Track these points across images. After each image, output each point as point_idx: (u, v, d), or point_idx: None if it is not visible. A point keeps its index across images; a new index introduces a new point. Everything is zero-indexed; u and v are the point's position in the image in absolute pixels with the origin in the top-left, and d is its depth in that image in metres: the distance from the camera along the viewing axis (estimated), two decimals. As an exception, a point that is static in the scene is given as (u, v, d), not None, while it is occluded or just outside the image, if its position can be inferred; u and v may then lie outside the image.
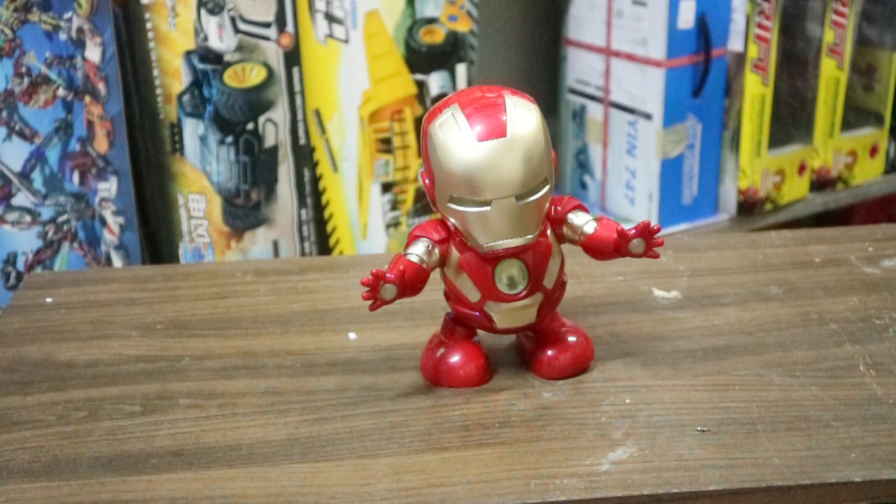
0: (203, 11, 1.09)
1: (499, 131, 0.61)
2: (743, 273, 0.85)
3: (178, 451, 0.62)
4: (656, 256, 0.65)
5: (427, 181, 0.64)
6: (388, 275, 0.62)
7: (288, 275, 0.88)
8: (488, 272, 0.65)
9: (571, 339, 0.69)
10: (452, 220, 0.64)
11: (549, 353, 0.68)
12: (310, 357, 0.73)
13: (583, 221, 0.66)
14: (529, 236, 0.63)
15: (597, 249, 0.66)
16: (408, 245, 0.66)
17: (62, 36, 1.03)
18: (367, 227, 1.23)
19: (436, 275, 0.67)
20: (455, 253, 0.65)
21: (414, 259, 0.64)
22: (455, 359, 0.68)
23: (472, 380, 0.68)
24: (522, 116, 0.62)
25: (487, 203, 0.62)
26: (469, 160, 0.61)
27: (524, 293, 0.65)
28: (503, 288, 0.65)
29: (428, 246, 0.65)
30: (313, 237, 1.20)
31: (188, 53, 1.09)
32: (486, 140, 0.61)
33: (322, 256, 1.18)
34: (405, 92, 1.20)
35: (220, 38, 1.10)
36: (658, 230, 0.64)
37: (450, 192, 0.62)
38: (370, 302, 0.63)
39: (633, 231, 0.64)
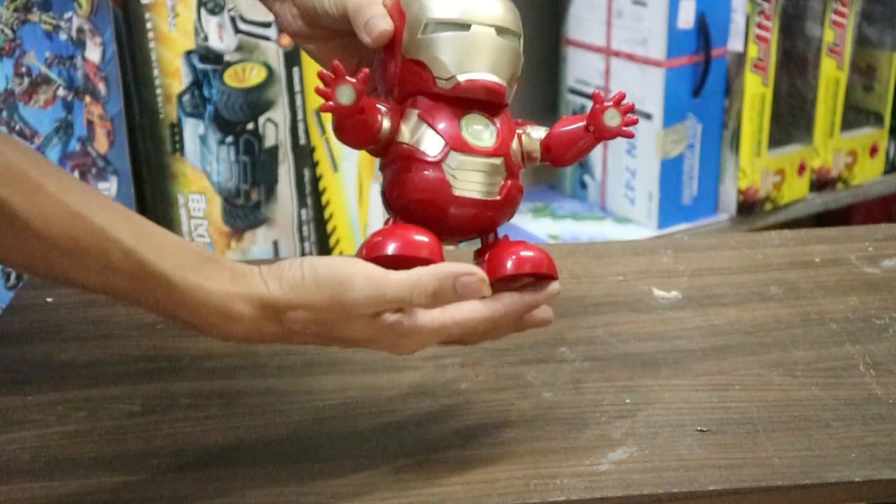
0: (203, 11, 1.09)
1: None
2: (743, 273, 0.85)
3: (178, 451, 0.62)
4: (630, 135, 0.60)
5: (394, 26, 0.60)
6: (349, 77, 0.57)
7: (288, 275, 0.88)
8: (454, 118, 0.59)
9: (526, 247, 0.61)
10: (419, 56, 0.59)
11: (502, 251, 0.60)
12: (310, 357, 0.73)
13: (541, 128, 0.62)
14: (502, 80, 0.59)
15: (565, 140, 0.61)
16: None
17: (62, 36, 1.03)
18: (367, 227, 1.23)
19: None
20: (411, 112, 0.60)
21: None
22: (407, 230, 0.59)
23: (424, 245, 0.58)
24: None
25: (467, 26, 0.59)
26: None
27: (490, 149, 0.59)
28: (468, 136, 0.59)
29: (382, 110, 0.60)
30: (313, 237, 1.20)
31: (188, 53, 1.09)
32: None
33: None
34: (405, 92, 1.20)
35: (221, 38, 1.10)
36: (632, 107, 0.60)
37: (426, 20, 0.59)
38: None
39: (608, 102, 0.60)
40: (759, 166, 1.41)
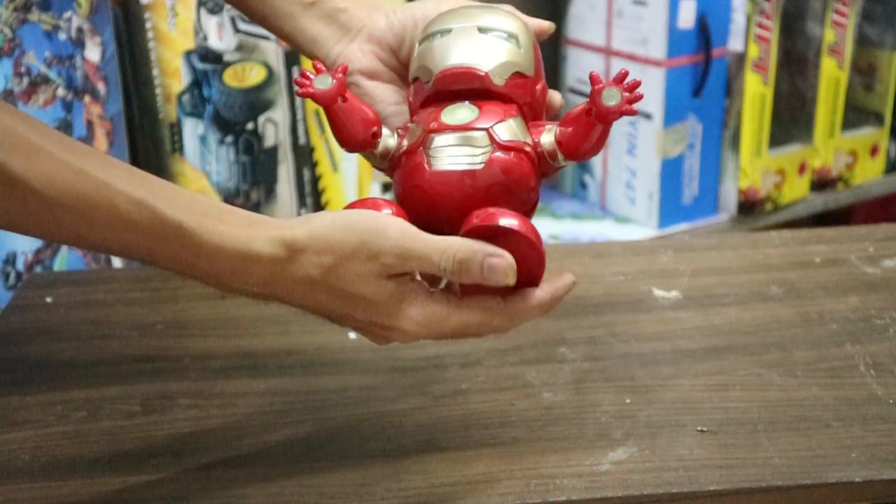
0: (203, 11, 1.09)
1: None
2: (743, 273, 0.85)
3: (178, 451, 0.62)
4: (632, 113, 0.57)
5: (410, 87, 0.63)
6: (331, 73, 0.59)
7: (288, 275, 0.88)
8: (438, 110, 0.59)
9: None
10: (414, 74, 0.61)
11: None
12: (310, 357, 0.73)
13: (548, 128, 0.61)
14: (482, 66, 0.59)
15: (573, 132, 0.59)
16: None
17: (62, 35, 1.03)
18: (367, 226, 1.22)
19: None
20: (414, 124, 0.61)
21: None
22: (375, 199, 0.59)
23: (386, 204, 0.58)
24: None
25: (448, 31, 0.60)
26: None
27: (466, 123, 0.58)
28: (445, 119, 0.58)
29: (386, 131, 0.61)
30: (313, 237, 1.20)
31: (188, 53, 1.09)
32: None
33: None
34: (405, 92, 1.20)
35: (220, 38, 1.10)
36: (638, 83, 0.57)
37: (417, 41, 0.62)
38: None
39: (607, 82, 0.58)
40: (759, 166, 1.41)
